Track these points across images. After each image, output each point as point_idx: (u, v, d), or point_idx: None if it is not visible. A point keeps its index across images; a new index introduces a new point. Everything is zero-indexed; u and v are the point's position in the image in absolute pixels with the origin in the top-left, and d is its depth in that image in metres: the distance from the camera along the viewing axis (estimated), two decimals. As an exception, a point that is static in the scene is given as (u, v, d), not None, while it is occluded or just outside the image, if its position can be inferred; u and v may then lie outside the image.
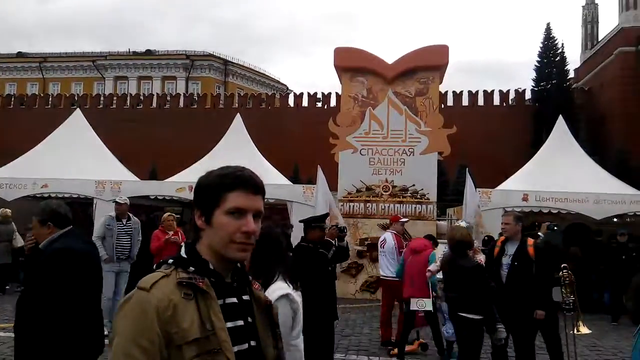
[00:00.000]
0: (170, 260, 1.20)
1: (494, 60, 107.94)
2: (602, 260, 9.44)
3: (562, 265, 5.12)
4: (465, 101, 38.99)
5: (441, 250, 6.34)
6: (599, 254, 9.53)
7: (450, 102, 38.85)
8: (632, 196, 10.58)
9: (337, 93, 33.96)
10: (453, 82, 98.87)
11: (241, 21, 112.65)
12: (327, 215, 6.03)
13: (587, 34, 42.72)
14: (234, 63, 48.64)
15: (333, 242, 5.53)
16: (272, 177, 11.80)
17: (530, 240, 5.10)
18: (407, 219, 7.88)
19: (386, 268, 6.93)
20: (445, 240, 5.81)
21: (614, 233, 9.62)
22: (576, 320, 5.03)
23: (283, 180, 12.92)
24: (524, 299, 4.75)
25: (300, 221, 5.07)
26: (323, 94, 40.32)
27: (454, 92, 39.13)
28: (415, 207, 9.93)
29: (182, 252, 1.22)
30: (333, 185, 9.99)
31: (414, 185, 10.10)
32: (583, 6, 43.29)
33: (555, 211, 10.16)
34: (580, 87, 39.77)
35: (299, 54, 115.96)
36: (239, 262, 1.25)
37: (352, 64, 10.46)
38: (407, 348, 6.19)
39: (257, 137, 14.12)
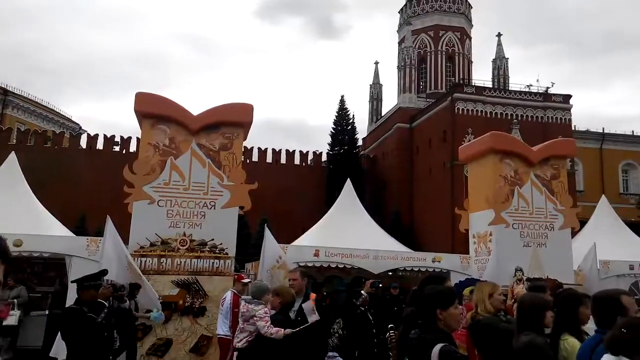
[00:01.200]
0: None
1: (299, 121, 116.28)
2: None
3: (389, 326, 5.52)
4: (269, 158, 40.73)
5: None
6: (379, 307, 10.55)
7: (255, 158, 40.14)
8: (404, 253, 12.12)
9: (138, 138, 32.32)
10: (261, 138, 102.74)
11: (29, 51, 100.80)
12: (103, 272, 5.44)
13: (373, 109, 49.12)
14: (16, 94, 42.19)
15: (105, 303, 4.91)
16: (47, 227, 10.44)
17: (313, 295, 5.43)
18: (249, 280, 7.77)
19: (220, 326, 7.03)
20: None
21: (387, 286, 10.79)
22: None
23: (63, 230, 11.52)
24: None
25: (72, 281, 4.50)
26: (122, 137, 37.80)
27: (259, 148, 40.62)
28: (213, 262, 9.72)
29: None
30: (126, 239, 9.22)
31: (213, 239, 9.92)
32: (370, 85, 49.92)
33: (341, 266, 11.01)
34: (366, 154, 45.09)
35: (100, 93, 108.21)
36: None
37: (154, 110, 10.01)
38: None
39: (37, 179, 12.45)
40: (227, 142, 10.29)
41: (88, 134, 39.54)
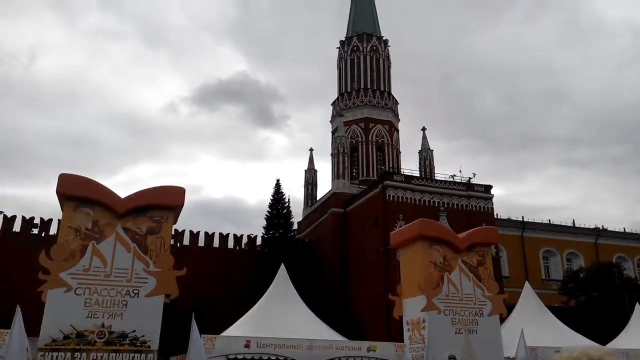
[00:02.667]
0: None
1: (236, 204, 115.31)
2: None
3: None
4: (202, 241, 39.64)
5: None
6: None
7: (186, 242, 38.94)
8: (339, 342, 11.80)
9: (60, 220, 30.56)
10: (194, 221, 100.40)
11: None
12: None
13: (308, 194, 49.85)
14: None
15: None
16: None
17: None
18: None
19: None
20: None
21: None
22: None
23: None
24: None
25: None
26: (42, 219, 35.63)
27: (191, 231, 39.57)
28: (133, 357, 8.93)
29: None
30: (37, 331, 8.36)
31: (134, 331, 9.20)
32: (305, 170, 51.04)
33: (274, 357, 10.50)
34: (302, 238, 45.03)
35: (25, 174, 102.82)
36: None
37: (78, 192, 9.54)
38: None
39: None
40: (156, 225, 9.90)
41: (5, 215, 36.93)
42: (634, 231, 48.15)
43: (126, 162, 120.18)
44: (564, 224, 46.46)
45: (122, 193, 10.18)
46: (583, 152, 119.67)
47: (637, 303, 20.22)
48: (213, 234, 40.08)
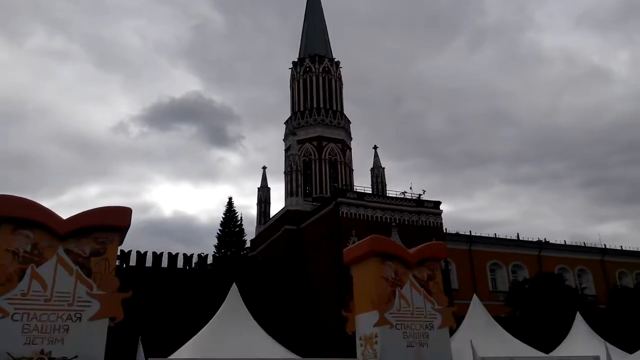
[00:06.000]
0: None
1: (185, 223, 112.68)
2: None
3: None
4: (149, 262, 38.46)
5: None
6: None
7: (133, 262, 37.68)
8: (291, 360, 11.68)
9: None
10: (143, 242, 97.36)
11: None
12: None
13: (261, 211, 49.50)
14: None
15: None
16: None
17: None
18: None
19: None
20: None
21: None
22: None
23: None
24: None
25: None
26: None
27: (138, 252, 38.35)
28: (75, 384, 8.51)
29: None
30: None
31: (76, 356, 8.77)
32: (258, 188, 50.73)
33: (225, 379, 10.27)
34: (255, 256, 44.52)
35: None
36: None
37: (15, 214, 9.09)
38: None
39: None
40: (100, 247, 9.52)
41: None
42: (574, 243, 50.62)
43: (72, 182, 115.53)
44: (509, 237, 48.25)
45: (66, 214, 9.77)
46: (526, 169, 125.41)
47: (578, 312, 21.19)
48: (161, 253, 38.93)
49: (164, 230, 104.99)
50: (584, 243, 50.85)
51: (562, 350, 17.88)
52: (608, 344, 15.67)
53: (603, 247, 50.70)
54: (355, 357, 12.12)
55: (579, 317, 20.09)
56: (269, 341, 13.17)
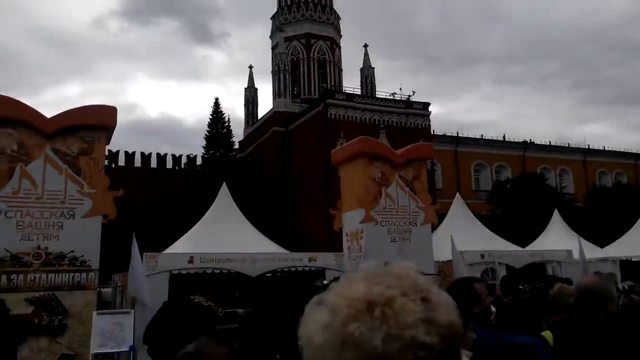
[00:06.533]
0: None
1: (172, 123, 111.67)
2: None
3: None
4: (138, 162, 38.62)
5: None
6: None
7: (122, 162, 37.85)
8: (281, 254, 12.27)
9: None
10: (129, 141, 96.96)
11: None
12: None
13: (249, 113, 48.98)
14: None
15: None
16: None
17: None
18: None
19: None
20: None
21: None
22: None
23: None
24: None
25: None
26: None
27: (126, 152, 38.37)
28: (73, 276, 8.92)
29: None
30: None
31: (72, 251, 9.10)
32: (246, 88, 49.70)
33: (217, 271, 10.79)
34: (244, 157, 44.82)
35: None
36: None
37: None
38: None
39: None
40: (87, 146, 9.51)
41: None
42: (558, 144, 51.35)
43: (52, 81, 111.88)
44: (494, 138, 48.75)
45: (49, 113, 9.60)
46: (515, 69, 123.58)
47: (555, 209, 22.11)
48: (150, 154, 39.03)
49: (151, 131, 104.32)
50: (568, 144, 51.60)
51: (537, 244, 18.91)
52: (581, 239, 16.56)
53: (586, 147, 51.52)
54: (342, 251, 12.78)
55: (556, 215, 21.00)
56: (260, 237, 13.72)
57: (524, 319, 2.96)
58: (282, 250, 13.19)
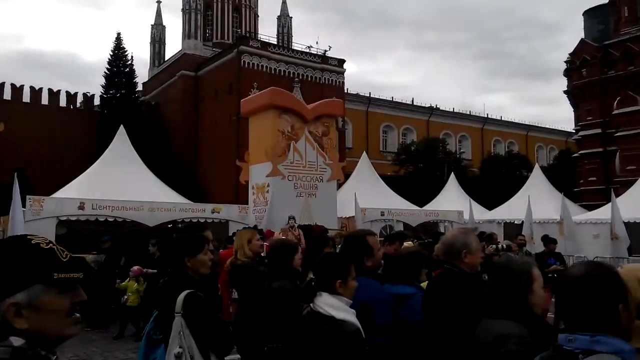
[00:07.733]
0: None
1: (68, 58, 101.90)
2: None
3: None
4: (26, 97, 35.01)
5: None
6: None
7: (7, 96, 34.17)
8: (182, 204, 11.76)
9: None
10: (15, 73, 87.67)
11: None
12: None
13: (155, 52, 45.88)
14: None
15: None
16: None
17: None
18: None
19: None
20: None
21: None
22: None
23: None
24: None
25: None
26: None
27: (12, 85, 34.61)
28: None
29: None
30: None
31: None
32: (152, 25, 46.29)
33: (112, 219, 10.12)
34: (147, 100, 42.21)
35: None
36: None
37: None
38: None
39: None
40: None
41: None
42: (461, 111, 54.15)
43: None
44: (404, 101, 50.23)
45: None
46: (430, 36, 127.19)
47: (452, 173, 23.44)
48: (41, 89, 35.39)
49: (43, 64, 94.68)
50: (470, 112, 54.56)
51: (433, 205, 20.01)
52: (473, 202, 17.74)
53: (485, 116, 54.88)
54: (247, 204, 12.55)
55: (452, 178, 22.29)
56: (159, 185, 13.03)
57: (405, 271, 3.11)
58: (183, 200, 12.66)
